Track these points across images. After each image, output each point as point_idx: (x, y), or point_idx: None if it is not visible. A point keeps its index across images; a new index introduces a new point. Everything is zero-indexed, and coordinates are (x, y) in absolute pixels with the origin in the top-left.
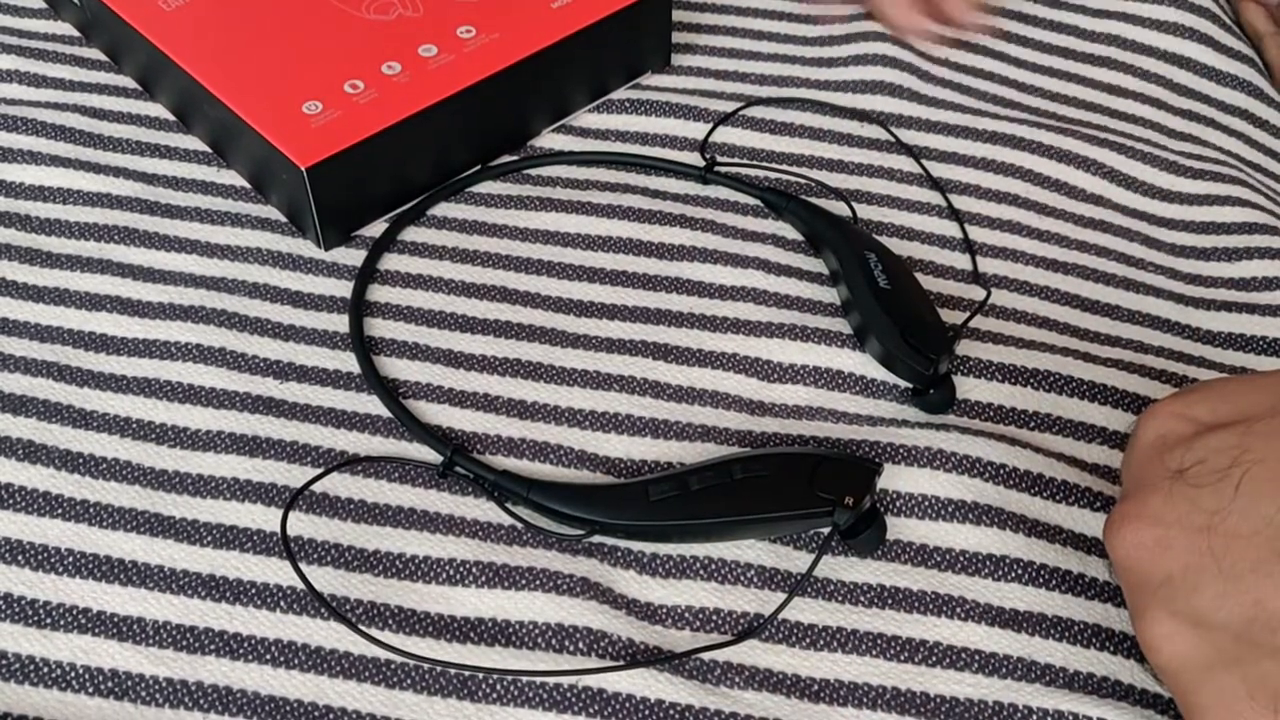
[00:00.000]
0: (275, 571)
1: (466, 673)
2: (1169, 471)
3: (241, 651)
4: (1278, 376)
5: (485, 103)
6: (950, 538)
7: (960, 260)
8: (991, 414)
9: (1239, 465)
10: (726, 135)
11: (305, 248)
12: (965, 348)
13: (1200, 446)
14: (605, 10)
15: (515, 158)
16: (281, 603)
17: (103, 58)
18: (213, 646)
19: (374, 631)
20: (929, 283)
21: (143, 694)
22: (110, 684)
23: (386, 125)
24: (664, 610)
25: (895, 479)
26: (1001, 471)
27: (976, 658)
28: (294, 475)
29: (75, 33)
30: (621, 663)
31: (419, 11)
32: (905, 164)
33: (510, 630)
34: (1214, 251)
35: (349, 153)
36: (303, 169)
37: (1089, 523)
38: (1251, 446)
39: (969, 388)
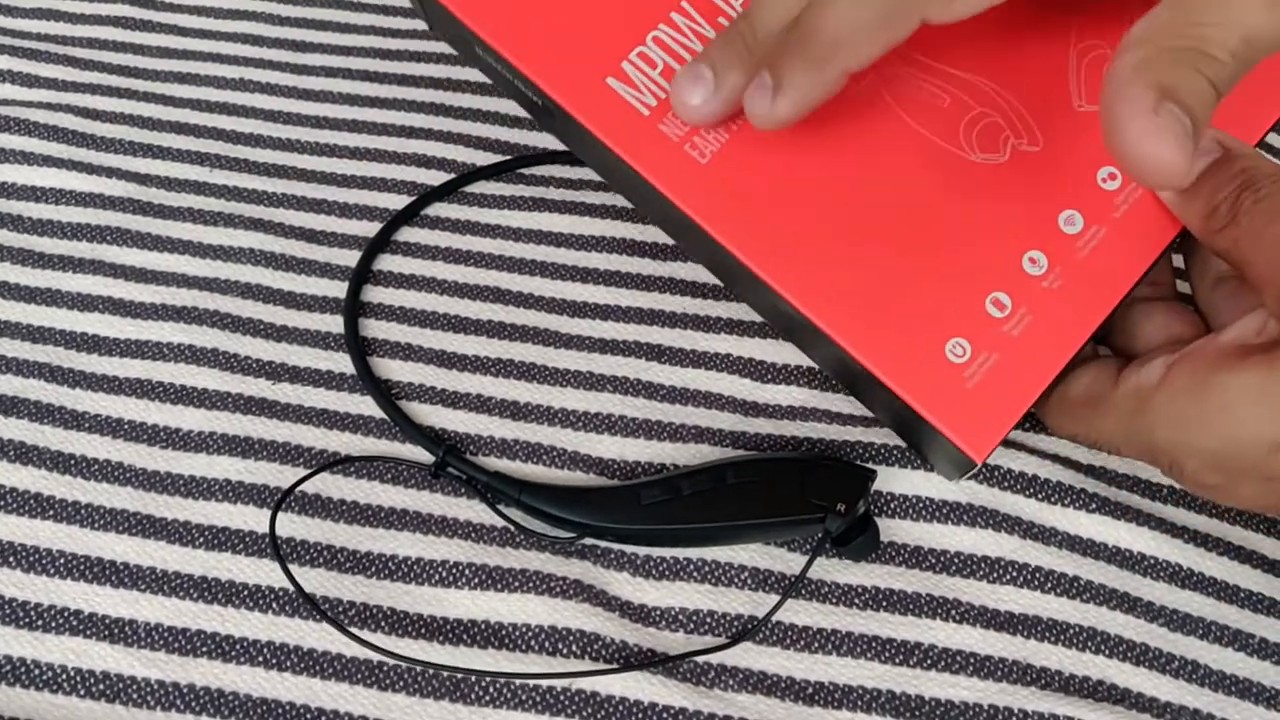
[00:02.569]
0: (267, 573)
1: (459, 675)
2: None
3: (233, 654)
4: None
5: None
6: (944, 539)
7: None
8: None
9: None
10: None
11: (298, 248)
12: None
13: None
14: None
15: (507, 157)
16: (273, 604)
17: (96, 56)
18: (204, 648)
19: (365, 633)
20: None
21: (134, 696)
22: (102, 686)
23: (1053, 376)
24: (657, 612)
25: (888, 480)
26: (995, 473)
27: (971, 660)
28: (286, 476)
29: (67, 32)
30: (615, 665)
31: (1038, 144)
32: None
33: (503, 632)
34: None
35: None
36: (977, 463)
37: (1084, 524)
38: None
39: None
